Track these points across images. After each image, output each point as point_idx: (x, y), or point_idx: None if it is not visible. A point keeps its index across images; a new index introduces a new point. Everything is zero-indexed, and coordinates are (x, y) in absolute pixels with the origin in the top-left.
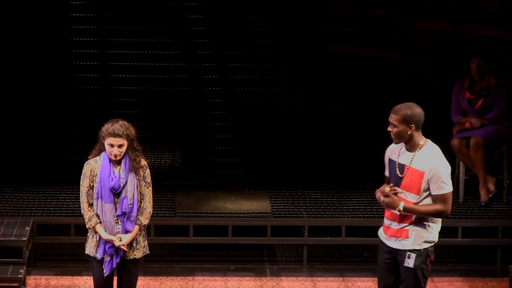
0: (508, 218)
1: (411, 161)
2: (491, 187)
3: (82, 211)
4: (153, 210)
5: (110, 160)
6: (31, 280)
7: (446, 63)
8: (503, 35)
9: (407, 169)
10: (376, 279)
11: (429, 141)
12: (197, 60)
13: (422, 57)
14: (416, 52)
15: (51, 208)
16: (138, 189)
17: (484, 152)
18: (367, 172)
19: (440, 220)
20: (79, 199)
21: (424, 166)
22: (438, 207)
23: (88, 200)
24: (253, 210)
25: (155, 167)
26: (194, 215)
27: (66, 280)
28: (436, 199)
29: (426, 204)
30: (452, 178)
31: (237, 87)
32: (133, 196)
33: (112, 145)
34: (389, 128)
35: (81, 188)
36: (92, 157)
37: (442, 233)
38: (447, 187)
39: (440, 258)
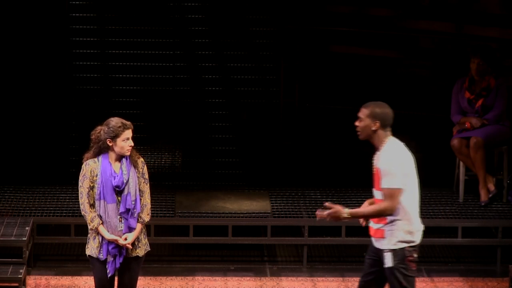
0: (508, 218)
1: (377, 160)
2: (491, 187)
3: (83, 213)
4: (153, 210)
5: (110, 160)
6: (31, 280)
7: (446, 63)
8: (503, 35)
9: (375, 168)
10: None
11: (391, 138)
12: (197, 60)
13: (422, 57)
14: (416, 52)
15: (51, 208)
16: (138, 186)
17: (484, 152)
18: (366, 172)
19: (414, 219)
20: (79, 200)
21: (381, 163)
22: (381, 205)
23: (89, 200)
24: (253, 210)
25: (155, 167)
26: (194, 215)
27: (66, 280)
28: (383, 194)
29: (400, 221)
30: (452, 178)
31: (237, 87)
32: (135, 192)
33: (128, 138)
34: (356, 122)
35: (81, 189)
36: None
37: (442, 233)
38: (393, 182)
39: (440, 258)
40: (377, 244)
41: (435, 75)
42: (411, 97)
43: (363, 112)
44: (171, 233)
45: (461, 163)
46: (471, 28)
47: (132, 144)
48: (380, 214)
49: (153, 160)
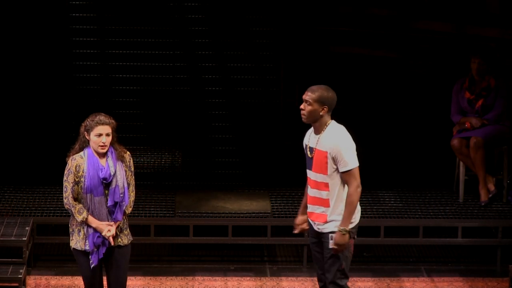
0: (508, 218)
1: (317, 143)
2: (491, 187)
3: (67, 206)
4: (153, 210)
5: (95, 154)
6: (31, 280)
7: (446, 63)
8: (503, 35)
9: (315, 151)
10: (376, 279)
11: (332, 121)
12: (197, 60)
13: (422, 57)
14: (416, 52)
15: (51, 208)
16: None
17: (484, 152)
18: (366, 172)
19: (352, 202)
20: (63, 194)
21: (327, 146)
22: (351, 194)
23: (73, 195)
24: (253, 210)
25: (155, 167)
26: (194, 215)
27: (66, 280)
28: (344, 176)
29: (342, 204)
30: (452, 178)
31: (237, 87)
32: (123, 185)
33: (100, 135)
34: (302, 106)
35: (66, 183)
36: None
37: (442, 233)
38: (350, 163)
39: (440, 258)
40: (320, 227)
41: (435, 75)
42: (411, 97)
43: (311, 96)
44: (171, 233)
45: (461, 163)
46: (471, 28)
47: (104, 142)
48: (354, 199)
49: (153, 160)
